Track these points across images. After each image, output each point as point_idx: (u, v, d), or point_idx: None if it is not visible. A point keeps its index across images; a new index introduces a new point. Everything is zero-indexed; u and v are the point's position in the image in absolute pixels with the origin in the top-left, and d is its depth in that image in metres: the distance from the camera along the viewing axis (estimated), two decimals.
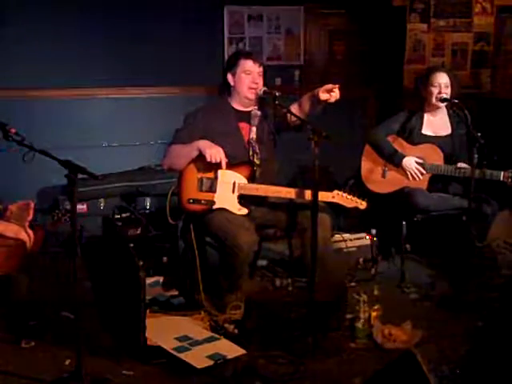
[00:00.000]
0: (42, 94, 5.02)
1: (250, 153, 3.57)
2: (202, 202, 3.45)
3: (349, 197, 3.44)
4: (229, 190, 3.48)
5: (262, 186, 3.49)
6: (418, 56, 5.56)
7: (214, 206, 3.46)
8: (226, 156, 3.43)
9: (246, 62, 3.52)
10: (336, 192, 3.43)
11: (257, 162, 3.56)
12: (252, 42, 5.50)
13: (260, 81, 3.53)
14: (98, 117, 5.17)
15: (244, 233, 3.29)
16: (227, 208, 3.46)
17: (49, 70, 4.91)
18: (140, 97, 5.28)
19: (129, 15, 5.07)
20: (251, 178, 3.50)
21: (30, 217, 3.00)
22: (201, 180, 3.48)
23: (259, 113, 3.59)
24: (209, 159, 3.36)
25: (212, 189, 3.48)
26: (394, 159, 4.05)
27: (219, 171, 3.47)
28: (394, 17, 5.51)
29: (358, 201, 3.44)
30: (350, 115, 5.58)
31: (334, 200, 3.43)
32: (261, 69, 3.54)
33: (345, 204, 3.45)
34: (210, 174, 3.49)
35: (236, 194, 3.48)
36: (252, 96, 3.54)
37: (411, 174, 4.01)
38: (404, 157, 4.02)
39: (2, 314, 3.21)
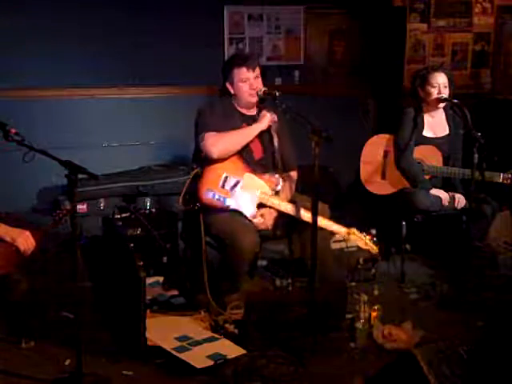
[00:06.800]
0: (42, 94, 5.02)
1: (275, 161, 3.58)
2: (221, 198, 3.42)
3: (364, 239, 3.45)
4: (248, 197, 3.45)
5: (285, 204, 3.46)
6: (418, 56, 5.56)
7: (231, 207, 3.44)
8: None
9: (240, 71, 3.49)
10: (354, 230, 3.43)
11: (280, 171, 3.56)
12: (252, 42, 5.50)
13: (258, 83, 3.51)
14: (97, 117, 5.16)
15: (247, 234, 3.29)
16: (242, 211, 3.43)
17: (49, 69, 4.90)
18: (140, 97, 5.28)
19: (129, 15, 5.06)
20: (275, 191, 3.51)
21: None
22: (226, 177, 3.46)
23: (274, 117, 3.58)
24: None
25: (233, 190, 3.46)
26: (422, 187, 4.00)
27: (245, 175, 3.47)
28: (394, 17, 5.51)
29: (372, 246, 3.47)
30: (349, 115, 5.58)
31: (349, 236, 3.43)
32: (256, 72, 3.51)
33: (359, 244, 3.47)
34: (238, 174, 3.47)
35: (256, 202, 3.46)
36: (254, 99, 3.53)
37: (445, 199, 3.98)
38: (431, 187, 3.99)
39: (2, 314, 3.21)
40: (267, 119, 3.53)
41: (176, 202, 3.64)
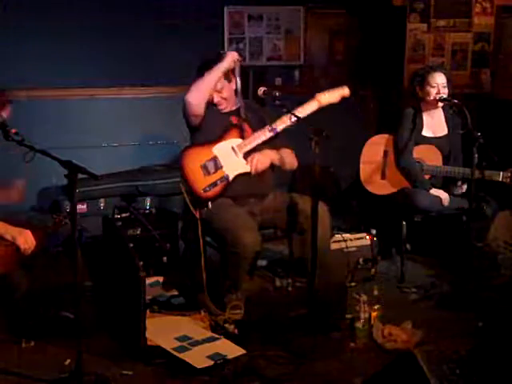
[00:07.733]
0: (43, 94, 5.02)
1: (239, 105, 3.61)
2: (218, 182, 3.46)
3: (330, 92, 3.48)
4: (232, 157, 3.50)
5: (256, 134, 3.51)
6: (418, 56, 5.56)
7: (230, 178, 3.49)
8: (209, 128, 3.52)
9: None
10: (319, 95, 3.46)
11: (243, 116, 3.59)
12: (252, 41, 5.50)
13: (224, 90, 3.57)
14: (97, 117, 5.17)
15: (248, 233, 3.28)
16: (241, 172, 3.48)
17: (49, 70, 4.90)
18: (140, 97, 5.28)
19: (129, 15, 5.06)
20: (243, 136, 3.54)
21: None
22: (204, 165, 3.49)
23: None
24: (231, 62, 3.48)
25: (218, 166, 3.49)
26: (422, 187, 4.02)
27: (213, 148, 3.51)
28: (394, 17, 5.51)
29: (342, 90, 3.51)
30: (349, 115, 5.58)
31: (321, 103, 3.46)
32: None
33: (332, 100, 3.48)
34: (209, 155, 3.50)
35: (240, 155, 3.51)
36: (215, 100, 3.58)
37: (445, 200, 3.99)
38: (431, 187, 4.00)
39: (2, 314, 3.21)
40: (230, 57, 3.52)
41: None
